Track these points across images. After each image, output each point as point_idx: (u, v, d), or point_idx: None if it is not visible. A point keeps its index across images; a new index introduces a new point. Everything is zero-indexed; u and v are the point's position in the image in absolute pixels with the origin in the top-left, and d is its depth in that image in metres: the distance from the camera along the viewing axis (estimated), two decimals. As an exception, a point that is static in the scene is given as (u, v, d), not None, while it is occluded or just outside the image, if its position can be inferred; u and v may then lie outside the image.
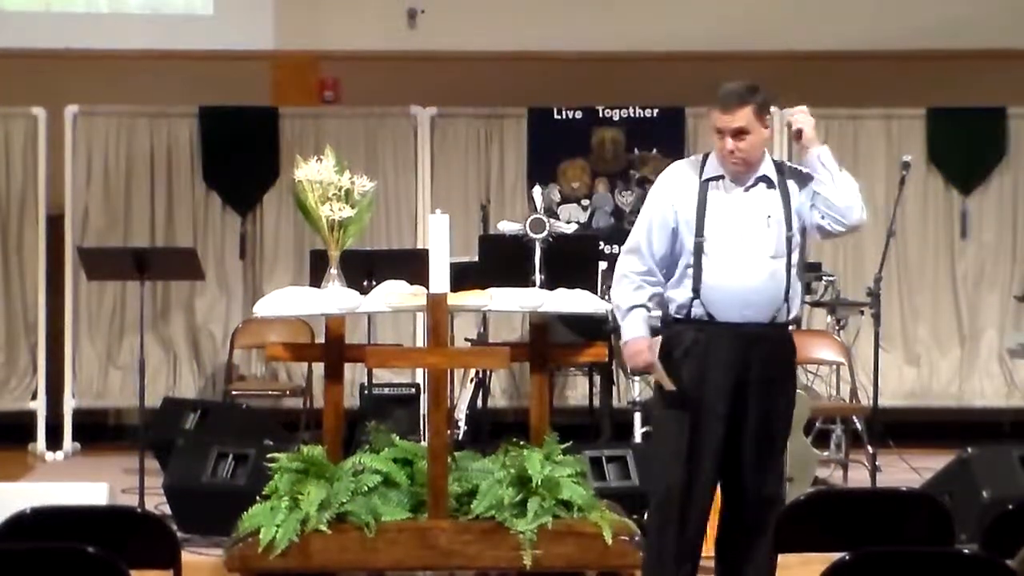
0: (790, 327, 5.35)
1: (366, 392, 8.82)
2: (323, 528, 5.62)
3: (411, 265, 6.86)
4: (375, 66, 10.84)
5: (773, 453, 5.29)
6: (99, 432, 10.07)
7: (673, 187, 5.35)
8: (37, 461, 9.61)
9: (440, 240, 5.76)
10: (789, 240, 5.25)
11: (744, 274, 5.20)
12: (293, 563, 5.61)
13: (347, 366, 6.14)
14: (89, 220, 10.07)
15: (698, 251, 5.22)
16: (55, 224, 9.92)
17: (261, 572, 5.63)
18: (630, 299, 5.30)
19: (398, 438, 6.07)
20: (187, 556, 5.00)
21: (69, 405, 9.86)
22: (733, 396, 5.19)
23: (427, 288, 5.79)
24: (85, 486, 6.56)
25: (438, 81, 10.65)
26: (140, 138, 10.22)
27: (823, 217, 5.29)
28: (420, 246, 9.52)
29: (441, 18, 10.90)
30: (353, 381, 8.98)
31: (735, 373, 5.19)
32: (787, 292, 5.23)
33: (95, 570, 4.11)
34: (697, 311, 5.23)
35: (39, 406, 9.83)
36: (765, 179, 5.33)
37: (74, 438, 9.81)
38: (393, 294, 6.01)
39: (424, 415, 8.68)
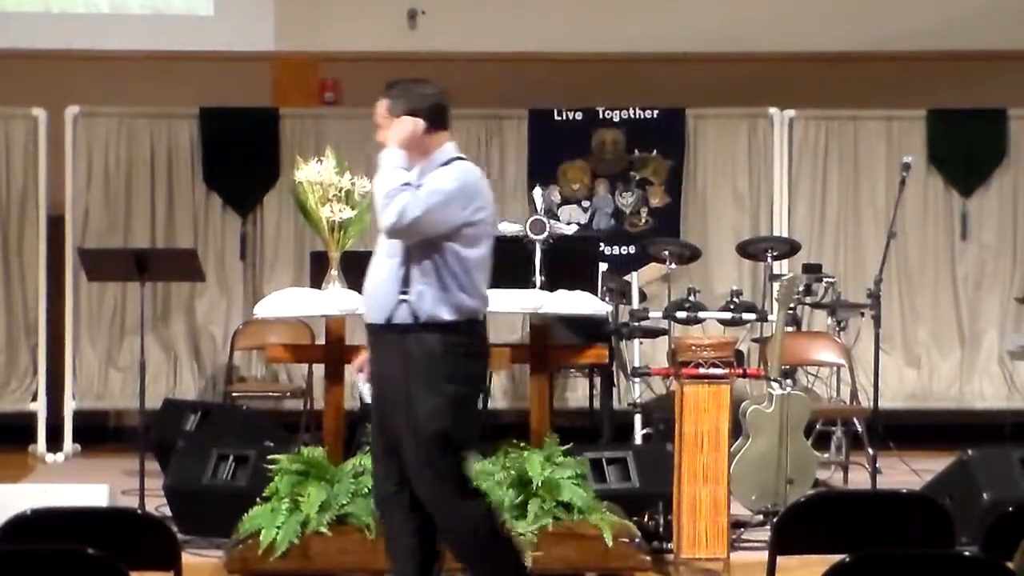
0: (424, 331, 5.21)
1: (365, 395, 8.81)
2: (323, 530, 5.62)
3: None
4: (375, 67, 10.80)
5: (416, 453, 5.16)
6: (99, 434, 10.06)
7: None
8: (37, 462, 9.60)
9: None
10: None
11: (370, 274, 5.31)
12: (293, 565, 5.61)
13: (347, 368, 6.14)
14: (89, 221, 10.06)
15: None
16: (55, 225, 9.92)
17: (261, 573, 5.64)
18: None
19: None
20: (187, 557, 4.99)
21: (69, 406, 9.85)
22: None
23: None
24: (85, 488, 6.56)
25: (438, 82, 10.63)
26: (140, 139, 10.21)
27: None
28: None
29: (441, 19, 10.90)
30: (354, 383, 8.96)
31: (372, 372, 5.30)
32: (400, 293, 5.20)
33: (95, 572, 4.10)
34: None
35: (39, 407, 9.83)
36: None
37: (74, 439, 9.80)
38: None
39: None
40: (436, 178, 5.24)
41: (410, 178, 5.24)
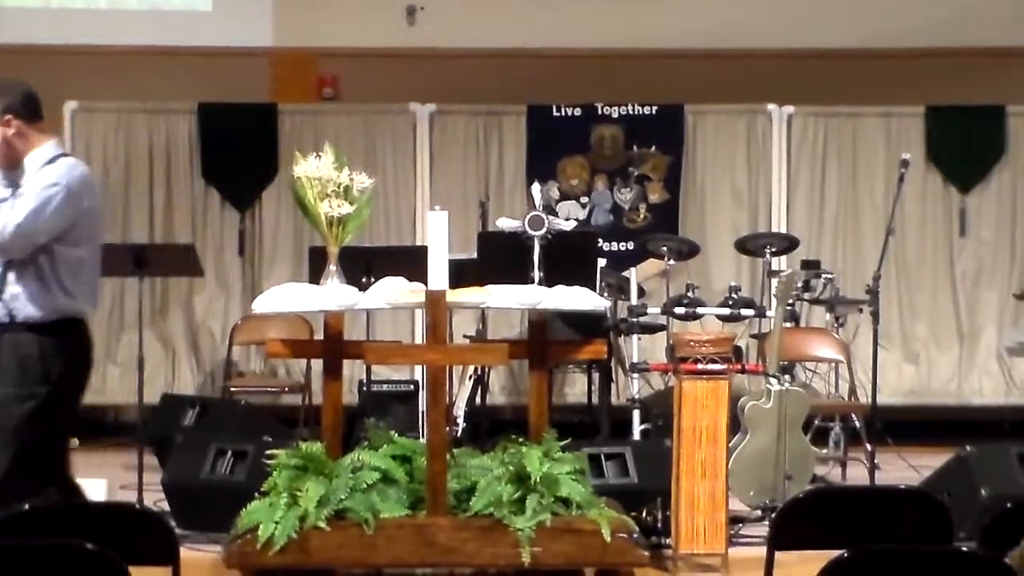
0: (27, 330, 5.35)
1: (365, 389, 8.82)
2: (322, 525, 5.60)
3: (410, 262, 6.85)
4: (374, 63, 10.84)
5: None
6: (98, 429, 10.04)
7: None
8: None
9: (439, 237, 5.75)
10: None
11: None
12: (291, 559, 5.59)
13: (346, 363, 6.14)
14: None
15: None
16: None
17: (260, 569, 5.62)
18: None
19: (397, 435, 6.06)
20: (186, 553, 4.99)
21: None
22: None
23: (426, 285, 5.79)
24: (84, 483, 6.55)
25: (437, 78, 10.65)
26: (139, 134, 10.21)
27: None
28: (419, 243, 9.52)
29: (440, 15, 10.90)
30: (352, 378, 8.98)
31: None
32: None
33: (94, 566, 4.10)
34: None
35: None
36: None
37: (72, 434, 9.78)
38: (392, 291, 6.00)
39: (423, 412, 8.68)
40: (40, 179, 5.27)
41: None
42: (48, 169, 5.31)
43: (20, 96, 5.49)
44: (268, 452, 6.04)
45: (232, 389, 9.36)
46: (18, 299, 5.26)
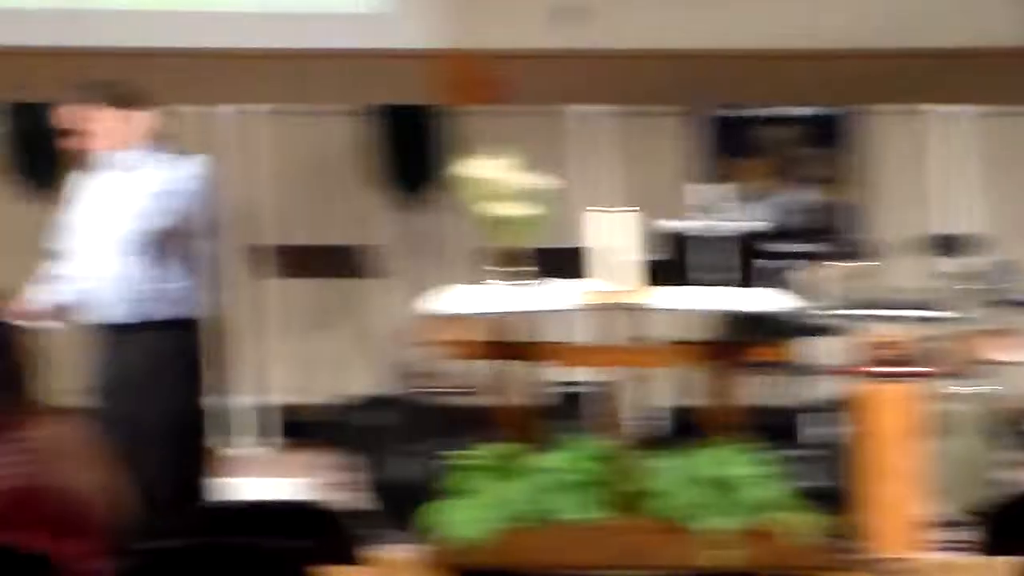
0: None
1: (551, 390, 8.83)
2: (512, 526, 5.64)
3: (582, 263, 6.85)
4: (542, 64, 10.88)
5: None
6: (291, 428, 10.20)
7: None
8: (233, 456, 9.76)
9: (612, 238, 5.76)
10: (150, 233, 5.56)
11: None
12: (483, 560, 5.63)
13: (531, 364, 6.16)
14: (262, 219, 10.21)
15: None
16: (239, 224, 10.07)
17: (457, 568, 5.67)
18: None
19: (584, 436, 6.07)
20: (382, 552, 5.05)
21: (261, 401, 10.01)
22: None
23: (601, 286, 5.78)
24: (279, 482, 6.67)
25: (605, 79, 10.66)
26: (309, 137, 10.36)
27: None
28: (589, 245, 9.51)
29: (609, 16, 10.90)
30: (537, 379, 8.99)
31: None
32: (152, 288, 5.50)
33: (291, 565, 4.18)
34: None
35: (235, 402, 9.99)
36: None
37: (270, 434, 9.96)
38: (569, 292, 6.01)
39: (609, 413, 8.65)
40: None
41: None
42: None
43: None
44: (458, 452, 6.09)
45: (417, 390, 9.43)
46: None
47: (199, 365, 5.82)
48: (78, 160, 5.96)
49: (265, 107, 10.32)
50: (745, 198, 10.20)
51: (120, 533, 4.26)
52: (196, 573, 4.17)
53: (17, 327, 4.44)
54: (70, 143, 5.83)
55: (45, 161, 6.12)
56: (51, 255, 5.97)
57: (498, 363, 6.81)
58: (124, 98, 5.76)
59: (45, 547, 4.03)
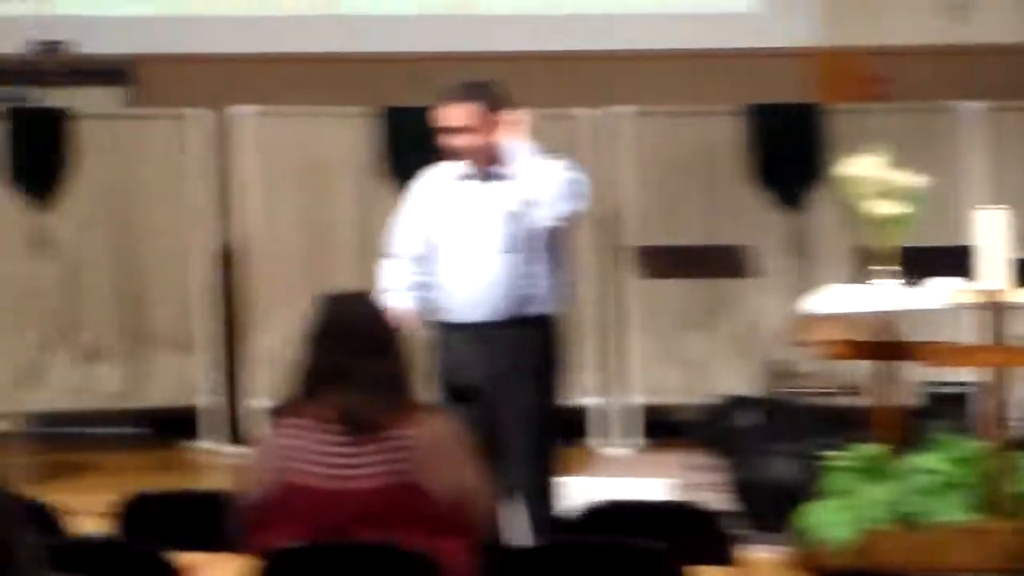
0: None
1: (923, 390, 8.66)
2: (882, 528, 5.59)
3: (962, 261, 6.72)
4: (923, 60, 10.64)
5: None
6: (660, 428, 10.30)
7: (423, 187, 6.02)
8: (597, 455, 9.92)
9: (995, 236, 5.62)
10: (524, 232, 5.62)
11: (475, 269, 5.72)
12: (852, 562, 5.61)
13: (902, 364, 6.08)
14: (631, 219, 10.33)
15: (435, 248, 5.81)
16: (605, 224, 10.22)
17: (822, 571, 5.66)
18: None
19: (956, 437, 5.96)
20: (746, 553, 5.08)
21: (630, 401, 10.14)
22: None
23: (976, 285, 5.66)
24: (646, 482, 6.78)
25: (988, 75, 10.36)
26: (686, 137, 10.42)
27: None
28: (970, 243, 9.27)
29: (991, 9, 10.58)
30: (909, 379, 8.83)
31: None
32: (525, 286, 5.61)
33: (657, 565, 4.25)
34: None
35: (597, 402, 10.15)
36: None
37: (633, 434, 10.09)
38: (947, 290, 5.91)
39: (982, 414, 8.44)
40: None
41: None
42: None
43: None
44: (828, 454, 6.07)
45: (788, 390, 9.39)
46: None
47: (560, 362, 5.92)
48: (451, 160, 6.05)
49: (630, 108, 10.45)
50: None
51: (489, 531, 4.42)
52: (564, 572, 4.26)
53: (398, 330, 4.67)
54: (446, 144, 5.94)
55: (417, 163, 6.17)
56: (406, 256, 6.10)
57: (874, 363, 6.73)
58: (498, 99, 5.87)
59: (422, 545, 4.20)
